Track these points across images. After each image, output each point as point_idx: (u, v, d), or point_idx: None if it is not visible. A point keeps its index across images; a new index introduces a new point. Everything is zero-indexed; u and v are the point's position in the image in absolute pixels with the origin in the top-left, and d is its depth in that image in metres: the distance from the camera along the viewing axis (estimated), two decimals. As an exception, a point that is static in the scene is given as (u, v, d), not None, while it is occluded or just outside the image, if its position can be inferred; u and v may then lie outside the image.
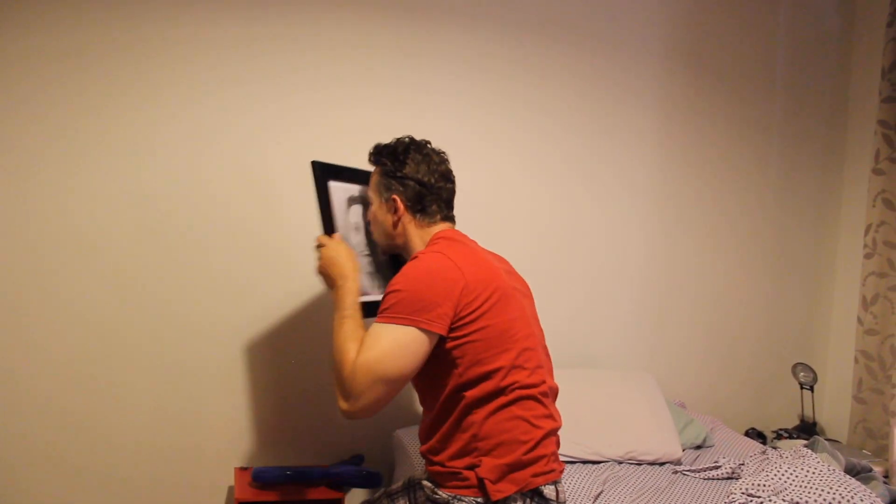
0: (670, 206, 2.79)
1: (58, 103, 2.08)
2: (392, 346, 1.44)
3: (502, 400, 1.51)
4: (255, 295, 2.28)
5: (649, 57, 2.72)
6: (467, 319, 1.48)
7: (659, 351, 2.81)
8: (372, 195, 1.73)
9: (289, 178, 2.30)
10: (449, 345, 1.50)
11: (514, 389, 1.51)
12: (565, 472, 2.06)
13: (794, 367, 2.90)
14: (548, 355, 1.71)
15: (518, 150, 2.57)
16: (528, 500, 1.50)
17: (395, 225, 1.69)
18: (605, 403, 2.31)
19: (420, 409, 1.73)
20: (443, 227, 1.70)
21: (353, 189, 1.88)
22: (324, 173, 1.80)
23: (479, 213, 2.52)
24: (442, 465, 1.55)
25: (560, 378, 2.36)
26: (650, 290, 2.79)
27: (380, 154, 1.72)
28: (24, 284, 2.09)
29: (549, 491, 1.53)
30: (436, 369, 1.53)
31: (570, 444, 2.16)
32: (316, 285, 2.32)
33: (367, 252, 1.88)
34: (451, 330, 1.48)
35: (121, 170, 2.15)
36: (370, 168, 1.79)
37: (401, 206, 1.67)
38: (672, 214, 2.80)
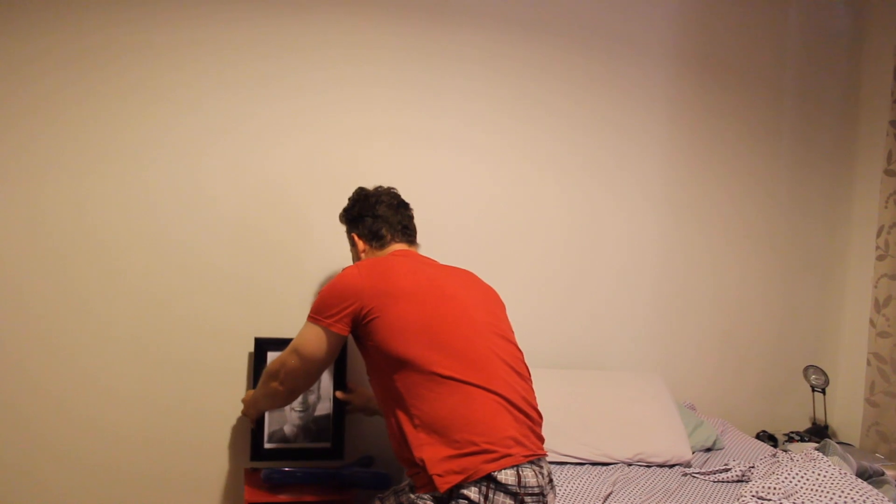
0: (682, 207, 2.78)
1: (68, 106, 2.11)
2: (305, 334, 1.79)
3: (431, 388, 1.60)
4: (262, 294, 2.30)
5: (661, 57, 2.71)
6: (370, 317, 1.70)
7: (669, 353, 2.80)
8: (350, 242, 2.06)
9: (297, 179, 2.32)
10: (369, 343, 1.71)
11: (442, 378, 1.60)
12: (572, 472, 2.07)
13: (806, 369, 2.88)
14: (510, 343, 1.78)
15: (530, 150, 2.57)
16: (482, 488, 1.51)
17: (361, 255, 1.97)
18: (614, 405, 2.31)
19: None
20: (397, 247, 1.95)
21: None
22: (264, 347, 2.24)
23: (492, 214, 2.52)
24: (409, 466, 1.63)
25: (569, 379, 2.37)
26: (661, 292, 2.78)
27: (342, 215, 2.08)
28: (36, 284, 2.11)
29: (505, 476, 1.53)
30: (372, 367, 1.75)
31: (578, 445, 2.16)
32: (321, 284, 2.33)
33: (300, 409, 2.26)
34: (361, 328, 1.73)
35: (130, 171, 2.17)
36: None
37: (357, 240, 1.98)
38: (683, 216, 2.79)
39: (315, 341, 1.77)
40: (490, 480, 1.52)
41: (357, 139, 2.36)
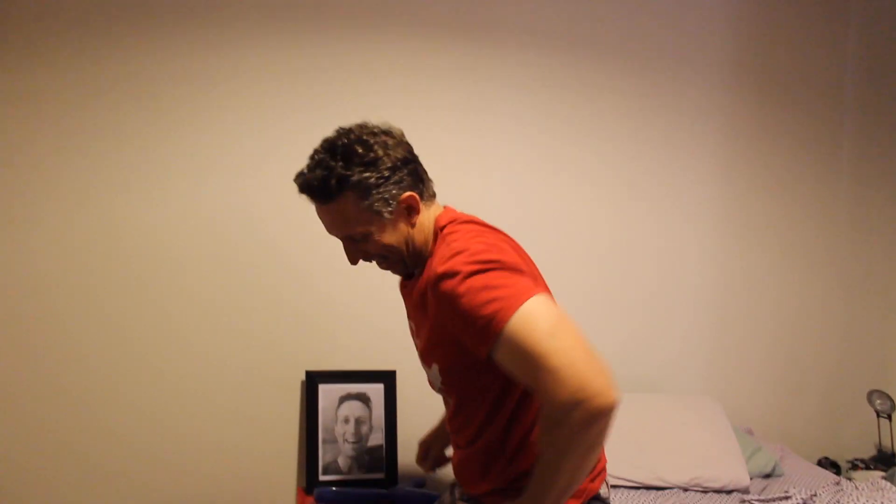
0: (738, 226, 2.73)
1: (139, 129, 2.19)
2: (532, 311, 1.15)
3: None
4: (313, 317, 2.33)
5: (713, 73, 2.67)
6: None
7: (726, 375, 2.73)
8: (364, 228, 1.33)
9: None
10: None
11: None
12: (627, 497, 2.04)
13: (870, 394, 2.77)
14: None
15: (577, 171, 2.55)
16: None
17: (415, 224, 1.36)
18: (670, 428, 2.26)
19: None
20: (439, 206, 1.43)
21: (347, 388, 2.30)
22: (314, 380, 2.27)
23: (537, 233, 2.51)
24: (502, 483, 1.39)
25: (624, 402, 2.32)
26: (718, 312, 2.72)
27: (341, 181, 1.28)
28: (113, 298, 2.19)
29: (604, 489, 1.45)
30: (482, 372, 1.29)
31: (633, 468, 2.12)
32: (376, 297, 2.35)
33: (353, 441, 2.26)
34: None
35: (190, 193, 2.24)
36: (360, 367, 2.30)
37: (415, 198, 1.34)
38: (739, 235, 2.73)
39: (548, 307, 1.17)
40: (596, 499, 1.42)
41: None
